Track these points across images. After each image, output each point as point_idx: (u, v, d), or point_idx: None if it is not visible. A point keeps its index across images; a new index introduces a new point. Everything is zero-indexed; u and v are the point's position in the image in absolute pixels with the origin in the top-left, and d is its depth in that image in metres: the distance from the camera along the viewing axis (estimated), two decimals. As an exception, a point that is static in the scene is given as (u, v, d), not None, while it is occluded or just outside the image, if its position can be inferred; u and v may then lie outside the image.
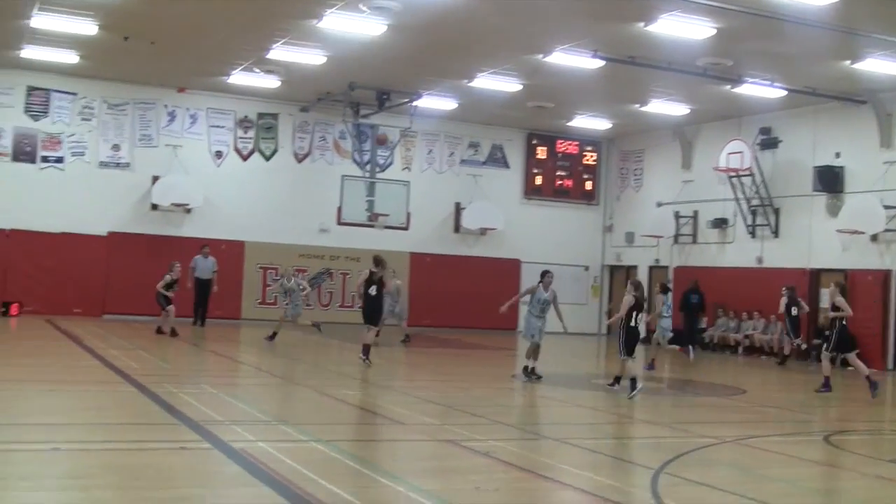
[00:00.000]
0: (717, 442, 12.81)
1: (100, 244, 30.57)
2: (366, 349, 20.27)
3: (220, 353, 22.64)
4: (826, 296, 23.15)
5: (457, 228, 35.23)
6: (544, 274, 19.38)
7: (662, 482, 9.80)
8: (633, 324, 18.01)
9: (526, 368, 19.17)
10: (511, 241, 35.47)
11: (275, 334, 24.62)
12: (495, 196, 35.41)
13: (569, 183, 37.03)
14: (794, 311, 26.27)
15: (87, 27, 24.37)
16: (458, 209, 35.18)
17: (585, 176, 37.28)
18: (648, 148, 35.65)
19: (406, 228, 32.25)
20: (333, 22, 22.54)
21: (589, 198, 37.36)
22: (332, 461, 10.18)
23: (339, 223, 31.72)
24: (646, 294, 19.63)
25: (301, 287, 25.68)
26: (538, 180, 36.56)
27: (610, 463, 11.23)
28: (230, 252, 31.58)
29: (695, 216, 33.21)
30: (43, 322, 27.14)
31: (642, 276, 34.79)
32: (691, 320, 30.26)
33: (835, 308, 19.69)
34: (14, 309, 29.01)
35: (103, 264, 30.51)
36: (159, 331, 25.20)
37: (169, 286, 25.24)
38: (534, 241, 35.71)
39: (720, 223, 31.91)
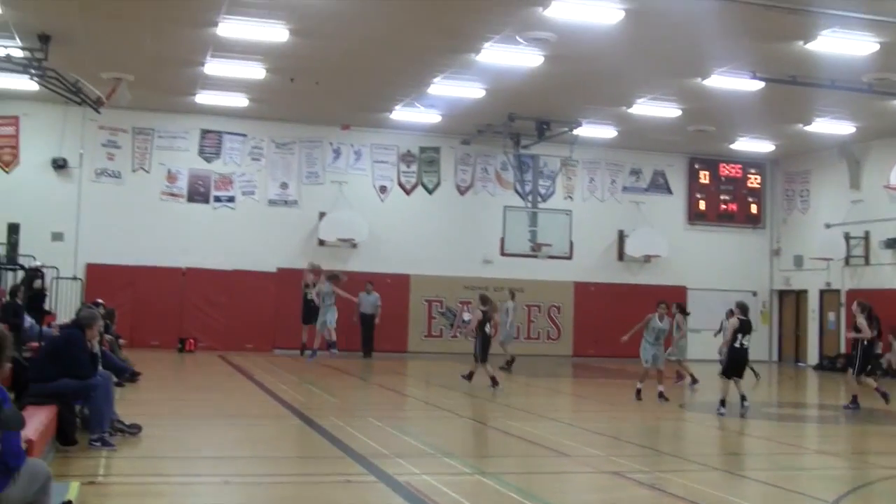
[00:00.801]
0: None
1: (269, 280, 31.36)
2: (494, 381, 21.49)
3: (385, 387, 22.92)
4: None
5: (620, 256, 35.04)
6: (669, 305, 20.62)
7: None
8: (737, 345, 18.45)
9: (639, 392, 20.14)
10: (676, 267, 35.07)
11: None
12: (659, 222, 35.12)
13: (733, 207, 36.48)
14: None
15: (256, 71, 25.21)
16: (622, 237, 35.00)
17: (750, 199, 36.67)
18: (814, 168, 34.85)
19: (569, 258, 32.21)
20: (491, 55, 22.79)
21: (754, 221, 36.71)
22: (496, 494, 10.23)
23: (503, 254, 31.84)
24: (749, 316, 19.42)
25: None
26: (702, 205, 36.11)
27: (782, 496, 10.92)
28: (395, 285, 32.03)
29: (866, 237, 32.31)
30: (216, 358, 27.95)
31: (813, 300, 34.02)
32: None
33: (856, 329, 19.94)
34: (190, 345, 29.98)
35: (273, 300, 31.27)
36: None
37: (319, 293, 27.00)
38: (699, 266, 35.26)
39: (894, 243, 30.95)
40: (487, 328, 22.05)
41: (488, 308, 22.01)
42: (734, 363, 18.68)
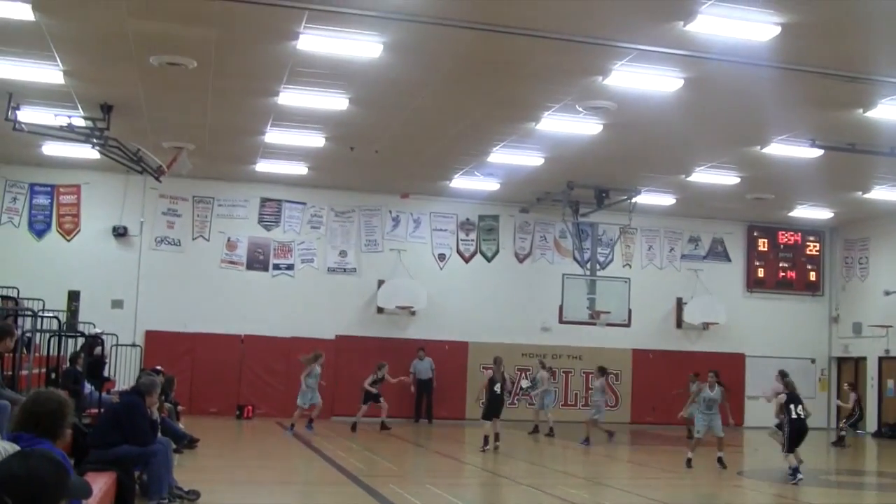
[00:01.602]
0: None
1: (328, 347, 31.35)
2: (486, 440, 22.45)
3: (443, 454, 22.91)
4: None
5: (679, 324, 34.90)
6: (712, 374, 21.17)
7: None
8: (794, 416, 18.72)
9: (689, 461, 20.12)
10: (734, 334, 34.85)
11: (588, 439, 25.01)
12: (717, 290, 34.97)
13: (792, 274, 36.25)
14: None
15: (316, 140, 25.48)
16: (680, 304, 34.87)
17: (809, 266, 36.43)
18: (874, 236, 34.59)
19: (628, 325, 32.08)
20: (550, 124, 22.91)
21: (813, 288, 36.45)
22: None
23: (561, 321, 31.79)
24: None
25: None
26: (760, 272, 35.93)
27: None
28: (454, 352, 32.09)
29: (926, 304, 32.01)
30: (274, 424, 28.06)
31: (872, 367, 33.69)
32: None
33: None
34: (248, 412, 30.13)
35: (331, 367, 31.22)
36: (354, 427, 26.37)
37: (374, 383, 26.82)
38: (758, 334, 35.01)
39: (952, 310, 30.64)
40: (497, 388, 23.04)
41: (496, 368, 23.45)
42: (795, 433, 18.72)
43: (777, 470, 20.11)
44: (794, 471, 18.30)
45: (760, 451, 24.49)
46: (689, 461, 20.19)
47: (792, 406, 18.80)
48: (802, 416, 18.88)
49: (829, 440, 28.86)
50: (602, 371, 26.96)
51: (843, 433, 28.48)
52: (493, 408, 22.97)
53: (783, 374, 19.56)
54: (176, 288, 30.61)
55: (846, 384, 30.51)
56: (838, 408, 32.02)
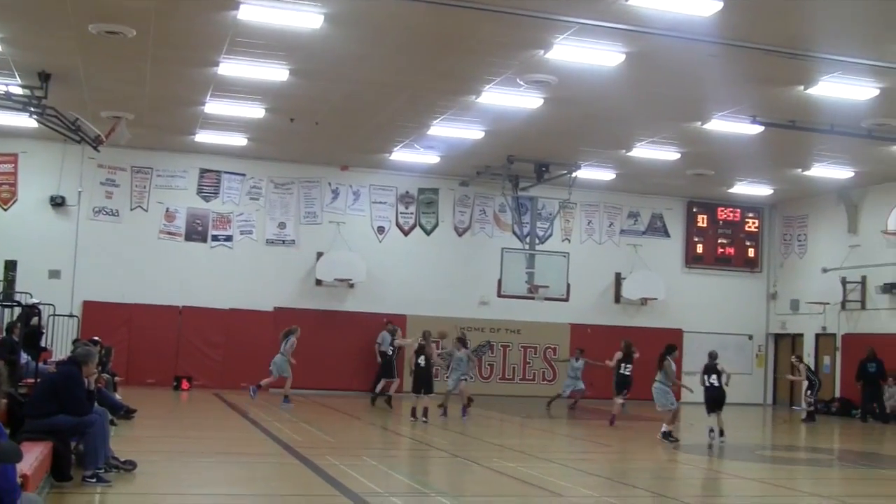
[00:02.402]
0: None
1: (266, 319, 31.32)
2: (425, 411, 22.96)
3: (381, 426, 22.88)
4: None
5: (617, 299, 35.07)
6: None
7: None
8: (707, 385, 21.23)
9: (668, 434, 20.60)
10: (673, 310, 35.09)
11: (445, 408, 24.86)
12: (656, 265, 35.17)
13: (731, 251, 36.53)
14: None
15: (256, 111, 25.30)
16: (619, 279, 35.03)
17: (748, 243, 36.73)
18: (812, 213, 34.92)
19: (566, 299, 32.18)
20: (491, 97, 22.87)
21: (752, 265, 36.77)
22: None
23: (500, 295, 31.81)
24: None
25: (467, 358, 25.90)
26: (699, 248, 36.17)
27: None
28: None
29: (863, 281, 32.34)
30: (211, 395, 27.91)
31: (808, 343, 34.09)
32: (870, 390, 29.57)
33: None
34: (185, 383, 29.91)
35: (270, 339, 31.12)
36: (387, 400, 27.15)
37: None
38: (696, 310, 35.27)
39: (890, 288, 30.97)
40: (421, 361, 23.35)
41: (425, 341, 23.59)
42: (709, 400, 21.12)
43: (715, 445, 20.38)
44: (710, 430, 21.00)
45: (696, 427, 24.63)
46: (667, 434, 20.48)
47: (705, 376, 21.24)
48: (717, 385, 21.02)
49: (766, 416, 29.11)
50: (461, 341, 25.80)
51: (811, 408, 28.60)
52: (418, 381, 23.35)
53: (712, 355, 21.59)
54: (114, 258, 30.27)
55: (794, 357, 30.75)
56: (791, 383, 32.30)
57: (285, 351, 26.47)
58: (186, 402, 26.93)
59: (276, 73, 21.54)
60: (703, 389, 21.26)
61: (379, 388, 27.93)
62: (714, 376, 21.17)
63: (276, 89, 22.98)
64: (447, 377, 25.61)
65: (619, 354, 25.25)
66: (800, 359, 29.78)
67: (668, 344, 22.81)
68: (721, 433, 20.80)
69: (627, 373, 24.90)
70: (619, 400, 24.89)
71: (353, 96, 23.49)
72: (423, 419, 22.83)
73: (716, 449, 20.03)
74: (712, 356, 21.61)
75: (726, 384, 21.13)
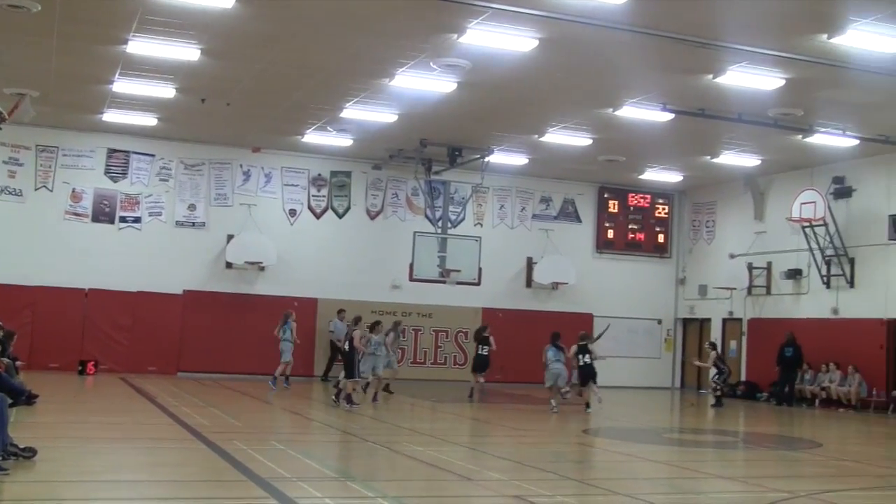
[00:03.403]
0: (791, 496, 12.60)
1: (175, 302, 31.00)
2: (348, 397, 22.73)
3: (290, 410, 22.74)
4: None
5: (529, 283, 35.24)
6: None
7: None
8: (581, 364, 24.44)
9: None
10: (583, 295, 35.37)
11: (376, 394, 24.74)
12: (567, 250, 35.39)
13: (641, 236, 36.90)
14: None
15: (166, 90, 24.96)
16: (530, 264, 35.20)
17: (658, 229, 37.14)
18: (720, 199, 35.42)
19: (478, 284, 32.28)
20: (405, 80, 22.83)
21: (661, 251, 37.18)
22: (397, 517, 10.18)
23: (412, 279, 31.84)
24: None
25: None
26: (610, 234, 36.47)
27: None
28: (303, 309, 31.84)
29: (768, 267, 32.91)
30: (118, 380, 27.53)
31: (716, 328, 34.57)
32: (787, 374, 30.08)
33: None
34: (90, 367, 29.44)
35: (178, 322, 30.93)
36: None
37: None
38: (606, 294, 35.60)
39: (794, 274, 31.56)
40: (346, 346, 23.53)
41: (352, 325, 23.82)
42: (581, 375, 24.58)
43: (623, 429, 20.58)
44: (587, 405, 24.12)
45: (605, 410, 24.90)
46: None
47: (579, 356, 24.31)
48: (589, 363, 24.24)
49: (674, 399, 29.45)
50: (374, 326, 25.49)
51: (718, 393, 28.91)
52: (346, 366, 23.29)
53: (582, 336, 25.11)
54: (17, 239, 29.71)
55: (707, 343, 31.20)
56: (699, 368, 32.77)
57: (287, 337, 27.66)
58: (91, 386, 26.51)
59: (186, 52, 21.26)
60: (577, 368, 24.53)
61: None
62: (586, 355, 24.28)
63: (186, 69, 22.69)
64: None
65: (574, 347, 24.78)
66: (713, 345, 30.17)
67: (554, 332, 25.13)
68: (587, 405, 24.23)
69: (589, 361, 24.56)
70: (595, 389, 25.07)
71: (265, 77, 23.27)
72: (347, 404, 22.50)
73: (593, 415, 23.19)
74: (582, 337, 24.83)
75: (594, 360, 24.48)
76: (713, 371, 29.53)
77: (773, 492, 13.04)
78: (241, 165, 32.29)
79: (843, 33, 18.05)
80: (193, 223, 31.69)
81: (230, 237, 31.60)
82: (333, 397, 23.36)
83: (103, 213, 30.85)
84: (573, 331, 30.75)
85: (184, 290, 31.26)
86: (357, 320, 23.91)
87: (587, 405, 24.23)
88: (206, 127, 29.31)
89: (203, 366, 30.25)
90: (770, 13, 17.55)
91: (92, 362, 29.62)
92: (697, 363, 31.21)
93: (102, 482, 11.71)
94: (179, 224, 31.55)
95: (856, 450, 19.91)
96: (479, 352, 27.41)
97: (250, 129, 29.45)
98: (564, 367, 24.31)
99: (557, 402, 23.85)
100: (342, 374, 23.39)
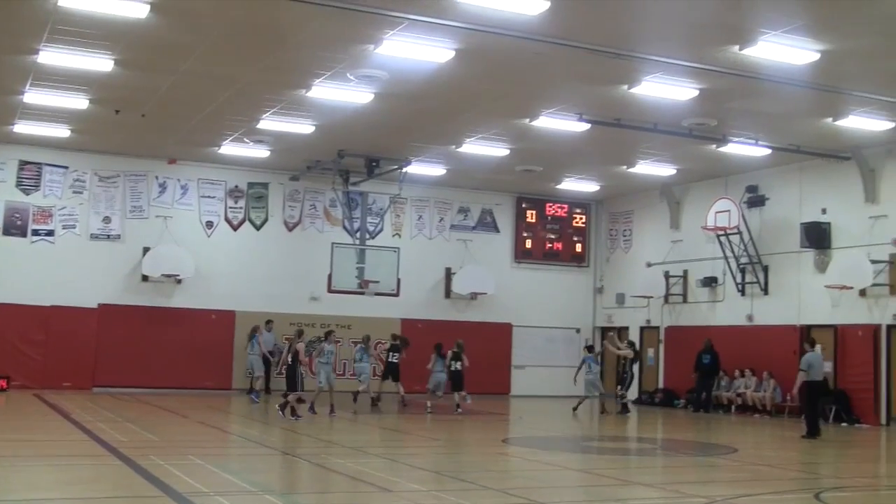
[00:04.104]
0: (708, 502, 12.76)
1: (90, 316, 30.55)
2: (293, 409, 23.14)
3: (208, 424, 22.51)
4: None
5: (447, 294, 35.27)
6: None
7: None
8: (453, 369, 26.80)
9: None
10: (502, 305, 35.48)
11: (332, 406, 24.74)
12: (486, 260, 35.48)
13: (559, 246, 37.11)
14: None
15: (79, 102, 24.61)
16: (449, 274, 35.23)
17: (575, 238, 37.38)
18: (637, 209, 35.78)
19: (396, 294, 32.22)
20: (321, 92, 22.77)
21: (579, 260, 37.43)
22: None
23: (330, 291, 31.70)
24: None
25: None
26: (528, 244, 36.63)
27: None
28: (221, 322, 31.63)
29: (685, 275, 33.30)
30: (31, 396, 27.07)
31: (633, 336, 34.88)
32: (704, 381, 30.41)
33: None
34: (2, 383, 28.83)
35: (93, 337, 30.47)
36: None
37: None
38: (525, 304, 35.77)
39: (710, 282, 31.98)
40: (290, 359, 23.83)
41: (299, 340, 24.03)
42: (452, 381, 26.81)
43: (542, 437, 20.65)
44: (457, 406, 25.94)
45: (525, 420, 25.06)
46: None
47: (453, 362, 26.77)
48: (459, 369, 26.58)
49: (594, 407, 29.63)
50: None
51: (623, 400, 29.19)
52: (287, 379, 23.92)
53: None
54: (-74, 253, 29.06)
55: (627, 341, 31.75)
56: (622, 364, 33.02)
57: (255, 351, 29.19)
58: (3, 403, 25.98)
59: (99, 62, 20.99)
60: (449, 372, 26.81)
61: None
62: (458, 363, 26.62)
63: (100, 79, 22.40)
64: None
65: (449, 353, 27.44)
66: (632, 343, 30.69)
67: (437, 343, 27.61)
68: (457, 406, 26.41)
69: (459, 368, 27.28)
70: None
71: (181, 88, 23.05)
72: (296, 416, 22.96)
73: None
74: (459, 346, 27.14)
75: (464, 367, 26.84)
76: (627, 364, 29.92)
77: (690, 497, 13.20)
78: (156, 177, 31.91)
79: (755, 44, 18.35)
80: (108, 236, 31.26)
81: (146, 250, 31.21)
82: (279, 408, 23.49)
83: (15, 227, 30.29)
84: (492, 341, 31.01)
85: (99, 304, 30.81)
86: (300, 333, 24.17)
87: (457, 406, 26.55)
88: (121, 138, 28.93)
89: (119, 380, 29.82)
90: (684, 25, 17.80)
91: (4, 379, 29.00)
92: (612, 348, 31.09)
93: (14, 501, 11.49)
94: (94, 237, 31.09)
95: (770, 454, 20.21)
96: (391, 359, 28.14)
97: (166, 140, 29.12)
98: (445, 373, 27.20)
99: (433, 404, 26.71)
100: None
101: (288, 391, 23.42)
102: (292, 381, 23.39)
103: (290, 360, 23.53)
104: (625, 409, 28.87)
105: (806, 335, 24.35)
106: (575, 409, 28.46)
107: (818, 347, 23.78)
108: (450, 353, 27.17)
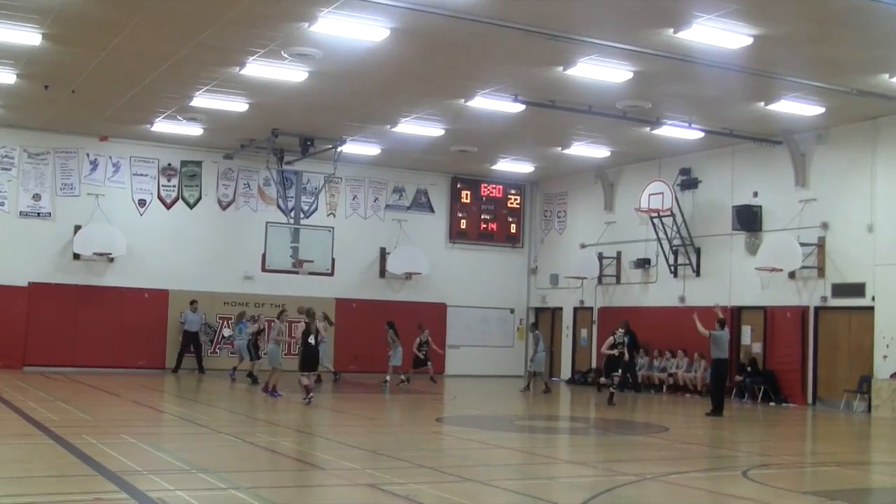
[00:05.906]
0: (638, 479, 12.91)
1: (20, 295, 30.17)
2: (307, 390, 22.12)
3: (141, 403, 22.35)
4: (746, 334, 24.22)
5: (382, 273, 35.26)
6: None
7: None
8: (311, 343, 22.20)
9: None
10: (437, 285, 35.58)
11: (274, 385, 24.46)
12: (420, 240, 35.52)
13: (493, 226, 37.23)
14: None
15: (6, 76, 24.21)
16: (384, 254, 35.22)
17: (510, 219, 37.52)
18: (571, 190, 35.96)
19: (331, 274, 32.20)
20: (255, 69, 22.61)
21: (514, 241, 37.58)
22: (250, 508, 10.12)
23: (264, 270, 31.61)
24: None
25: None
26: (463, 224, 36.71)
27: (531, 503, 11.25)
28: (154, 301, 31.41)
29: (618, 257, 33.56)
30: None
31: (567, 317, 35.14)
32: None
33: None
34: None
35: (24, 315, 30.10)
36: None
37: (420, 347, 29.52)
38: (459, 284, 35.89)
39: (643, 263, 32.25)
40: (311, 339, 22.27)
41: (311, 320, 22.37)
42: (306, 358, 22.34)
43: (475, 416, 20.76)
44: (307, 392, 22.07)
45: (458, 399, 25.16)
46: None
47: (308, 336, 22.10)
48: (313, 344, 22.23)
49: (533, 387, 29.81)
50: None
51: (529, 381, 29.57)
52: (309, 360, 22.48)
53: (309, 313, 22.60)
54: None
55: (532, 325, 32.46)
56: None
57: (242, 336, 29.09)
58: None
59: (27, 36, 20.62)
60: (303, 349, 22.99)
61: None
62: (312, 337, 22.66)
63: (28, 54, 22.06)
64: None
65: (611, 339, 26.64)
66: (534, 326, 31.47)
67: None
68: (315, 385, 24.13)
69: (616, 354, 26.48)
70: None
71: (112, 64, 22.77)
72: (311, 396, 22.20)
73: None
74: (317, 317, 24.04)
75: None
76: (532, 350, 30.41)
77: (621, 475, 13.34)
78: (87, 154, 31.54)
79: (689, 28, 18.50)
80: (39, 213, 30.86)
81: (77, 228, 30.88)
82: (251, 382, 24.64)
83: (-58, 204, 29.86)
84: (426, 321, 31.02)
85: (29, 283, 30.44)
86: (310, 313, 22.97)
87: (407, 380, 28.55)
88: (51, 114, 28.54)
89: (51, 359, 29.52)
90: (619, 7, 17.90)
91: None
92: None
93: (-57, 480, 11.37)
94: (24, 214, 30.68)
95: (700, 433, 20.45)
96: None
97: (97, 117, 28.76)
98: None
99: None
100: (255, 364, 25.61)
101: (305, 371, 22.51)
102: (311, 361, 22.53)
103: (313, 340, 22.32)
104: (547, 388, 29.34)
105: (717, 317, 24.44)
106: (526, 388, 29.25)
107: (726, 329, 24.05)
108: (417, 339, 29.28)
